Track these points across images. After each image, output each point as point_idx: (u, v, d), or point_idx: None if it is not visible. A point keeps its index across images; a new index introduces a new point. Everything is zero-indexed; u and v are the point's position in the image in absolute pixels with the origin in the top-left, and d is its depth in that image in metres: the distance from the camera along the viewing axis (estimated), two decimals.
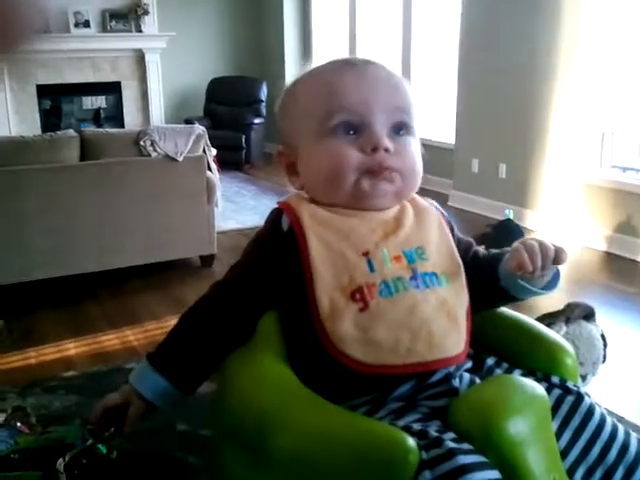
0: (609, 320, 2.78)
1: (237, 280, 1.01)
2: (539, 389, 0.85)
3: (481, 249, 1.11)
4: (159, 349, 1.02)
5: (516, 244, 0.97)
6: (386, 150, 0.97)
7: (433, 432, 0.79)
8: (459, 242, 1.08)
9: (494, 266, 1.02)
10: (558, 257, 0.95)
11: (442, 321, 0.93)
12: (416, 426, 0.80)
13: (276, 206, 1.03)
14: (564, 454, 0.88)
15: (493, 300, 1.07)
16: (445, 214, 1.09)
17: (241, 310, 0.99)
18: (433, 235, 1.01)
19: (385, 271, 0.93)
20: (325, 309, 0.91)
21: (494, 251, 1.08)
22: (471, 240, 1.12)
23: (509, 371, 0.98)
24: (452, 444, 0.77)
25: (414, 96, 1.06)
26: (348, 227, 0.96)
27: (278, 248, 0.97)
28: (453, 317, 0.95)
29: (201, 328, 1.00)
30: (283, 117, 1.08)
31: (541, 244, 0.95)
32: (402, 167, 0.99)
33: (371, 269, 0.93)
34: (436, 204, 1.09)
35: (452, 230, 1.07)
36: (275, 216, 1.01)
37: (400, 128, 1.00)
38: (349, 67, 1.00)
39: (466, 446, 0.78)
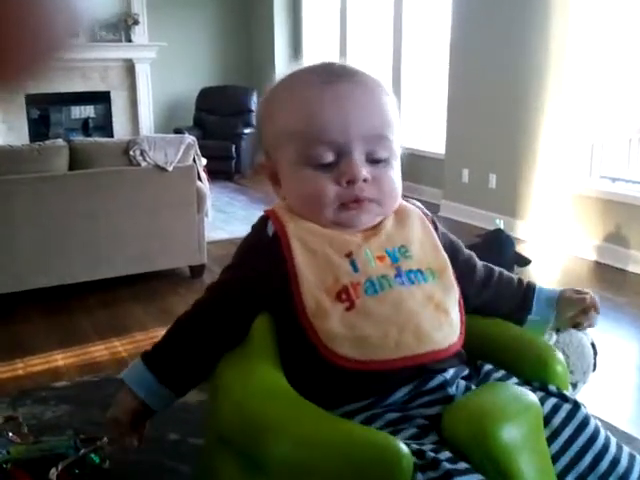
0: (598, 329, 2.79)
1: (230, 282, 1.01)
2: (532, 397, 0.86)
3: (493, 269, 1.14)
4: (154, 351, 1.02)
5: (585, 303, 1.13)
6: (364, 180, 0.96)
7: (430, 452, 0.79)
8: (450, 242, 1.09)
9: (525, 298, 1.13)
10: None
11: (430, 314, 0.94)
12: (413, 445, 0.81)
13: (263, 214, 1.04)
14: (556, 459, 0.88)
15: (499, 316, 1.12)
16: (429, 214, 1.09)
17: (233, 313, 0.99)
18: (415, 232, 1.02)
19: (369, 270, 0.94)
20: (312, 310, 0.92)
21: (510, 277, 1.14)
22: (470, 253, 1.13)
23: (506, 377, 0.99)
24: (448, 465, 0.77)
25: (396, 111, 1.02)
26: (331, 233, 0.97)
27: (264, 252, 0.98)
28: (443, 310, 0.95)
29: (194, 333, 1.00)
30: (263, 126, 1.07)
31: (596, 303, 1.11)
32: (379, 196, 0.98)
33: (355, 269, 0.94)
34: (419, 204, 1.09)
35: (436, 228, 1.08)
36: (261, 223, 1.02)
37: (379, 160, 0.97)
38: (328, 85, 0.96)
39: (462, 465, 0.78)
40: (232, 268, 1.03)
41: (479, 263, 1.13)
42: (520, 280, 1.15)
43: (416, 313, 0.93)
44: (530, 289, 1.14)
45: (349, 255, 0.95)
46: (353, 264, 0.94)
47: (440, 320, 0.95)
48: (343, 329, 0.90)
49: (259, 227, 1.02)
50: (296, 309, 0.93)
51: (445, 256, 1.02)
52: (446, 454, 0.79)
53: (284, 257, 0.95)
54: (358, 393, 0.91)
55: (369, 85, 0.99)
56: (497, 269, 1.15)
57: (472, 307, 1.05)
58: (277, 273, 0.95)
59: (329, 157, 0.95)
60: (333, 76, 0.98)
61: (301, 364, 0.94)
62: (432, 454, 0.79)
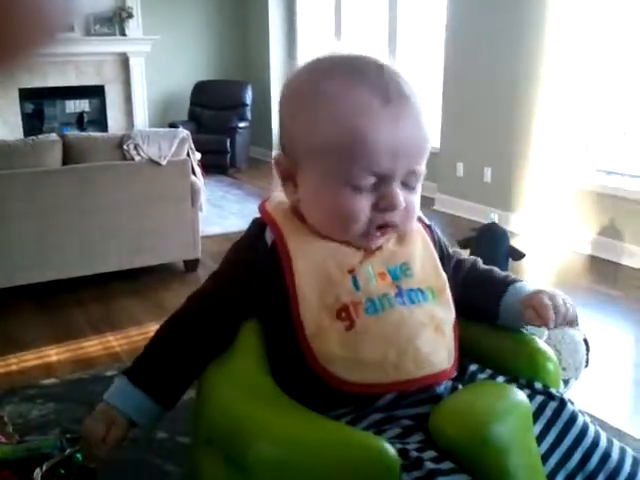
0: (593, 323, 2.79)
1: (217, 293, 0.97)
2: (521, 395, 0.85)
3: (472, 260, 1.10)
4: (138, 365, 0.99)
5: (543, 298, 0.98)
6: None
7: (414, 452, 0.78)
8: (448, 256, 1.07)
9: (495, 296, 1.05)
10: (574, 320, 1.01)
11: (429, 336, 0.92)
12: (397, 445, 0.80)
13: (258, 216, 1.00)
14: (545, 459, 0.87)
15: (478, 318, 1.08)
16: (429, 224, 1.07)
17: (220, 324, 0.97)
18: (417, 250, 1.00)
19: (371, 289, 0.91)
20: (311, 329, 0.89)
21: (486, 269, 1.08)
22: (457, 252, 1.11)
23: (492, 377, 0.98)
24: (431, 465, 0.76)
25: (430, 128, 0.99)
26: (333, 246, 0.94)
27: (261, 263, 0.95)
28: (441, 332, 0.94)
29: (180, 343, 0.97)
30: (288, 123, 0.98)
31: (565, 301, 0.99)
32: (403, 220, 0.96)
33: (356, 287, 0.91)
34: (420, 214, 1.06)
35: (438, 243, 1.06)
36: (258, 228, 0.98)
37: (414, 183, 0.96)
38: (383, 106, 0.90)
39: (445, 465, 0.77)
40: (219, 279, 0.99)
41: (466, 261, 1.11)
42: (502, 277, 1.08)
43: (415, 335, 0.91)
44: (507, 285, 1.05)
45: (351, 271, 0.92)
46: (355, 281, 0.91)
47: (439, 342, 0.93)
48: (342, 350, 0.88)
49: (256, 232, 0.98)
50: (294, 327, 0.91)
51: (444, 275, 1.00)
52: (430, 453, 0.79)
53: (282, 271, 0.92)
54: (344, 402, 0.90)
55: (417, 107, 0.96)
56: (475, 262, 1.11)
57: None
58: (273, 287, 0.92)
59: (370, 181, 0.91)
60: (392, 94, 0.92)
61: (290, 375, 0.92)
62: (415, 453, 0.78)
